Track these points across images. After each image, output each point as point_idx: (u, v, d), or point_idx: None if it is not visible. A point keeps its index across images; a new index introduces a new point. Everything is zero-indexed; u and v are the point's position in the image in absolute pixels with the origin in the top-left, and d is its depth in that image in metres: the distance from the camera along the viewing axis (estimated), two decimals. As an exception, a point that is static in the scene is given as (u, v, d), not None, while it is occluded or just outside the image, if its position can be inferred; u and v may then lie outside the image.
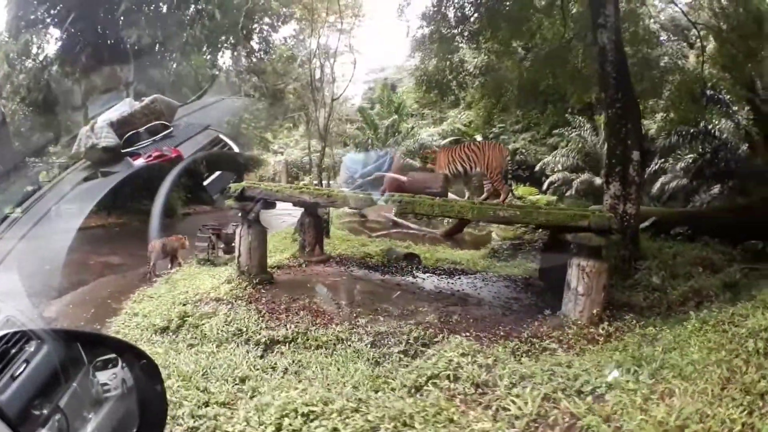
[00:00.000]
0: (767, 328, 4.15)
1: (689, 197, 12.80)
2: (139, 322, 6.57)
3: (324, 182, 17.97)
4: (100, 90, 12.51)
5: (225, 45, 15.55)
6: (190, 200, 15.70)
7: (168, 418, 3.96)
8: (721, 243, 9.25)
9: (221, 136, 10.46)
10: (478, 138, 18.90)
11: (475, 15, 11.88)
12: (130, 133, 8.60)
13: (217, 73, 16.14)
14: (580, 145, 17.18)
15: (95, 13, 13.00)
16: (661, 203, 13.62)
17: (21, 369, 1.27)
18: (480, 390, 3.83)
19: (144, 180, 9.44)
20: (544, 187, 17.52)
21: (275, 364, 5.21)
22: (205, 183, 10.00)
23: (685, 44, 12.66)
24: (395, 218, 15.88)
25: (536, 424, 3.34)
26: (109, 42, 13.02)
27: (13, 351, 1.30)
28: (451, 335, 5.88)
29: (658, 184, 13.63)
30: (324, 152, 17.83)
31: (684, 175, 12.77)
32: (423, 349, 5.64)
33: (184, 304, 6.83)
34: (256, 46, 16.55)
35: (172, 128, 9.03)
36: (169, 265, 9.60)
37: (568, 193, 16.86)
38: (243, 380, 4.72)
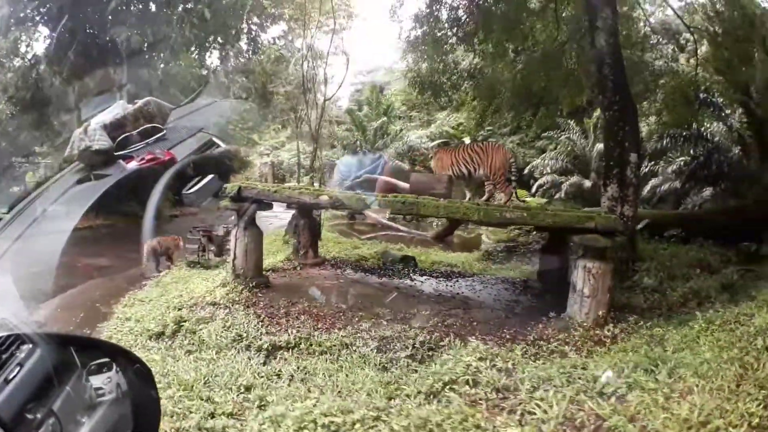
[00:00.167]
0: (774, 327, 4.15)
1: (680, 200, 12.95)
2: (132, 327, 6.31)
3: (315, 184, 17.77)
4: (94, 92, 12.20)
5: (213, 45, 15.27)
6: (177, 202, 15.35)
7: (174, 431, 3.79)
8: (716, 245, 9.35)
9: (214, 138, 10.25)
10: (466, 140, 18.92)
11: (469, 17, 11.84)
12: (123, 135, 8.36)
13: (204, 73, 15.85)
14: (569, 148, 17.34)
15: (84, 12, 12.69)
16: (651, 206, 13.76)
17: (14, 373, 1.25)
18: (500, 394, 3.72)
19: (131, 182, 9.17)
20: (533, 189, 17.61)
21: (280, 371, 5.01)
22: (191, 190, 9.72)
23: (676, 48, 12.84)
24: (383, 221, 15.79)
25: (564, 427, 3.27)
26: (98, 42, 12.69)
27: (6, 354, 1.29)
28: (458, 339, 5.80)
29: (648, 187, 13.78)
30: (316, 154, 17.63)
31: (676, 177, 12.91)
32: (430, 353, 5.54)
33: (179, 309, 6.59)
34: (244, 47, 16.30)
35: (165, 131, 8.82)
36: (168, 264, 9.44)
37: (557, 196, 16.98)
38: (248, 389, 4.51)
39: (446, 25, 12.23)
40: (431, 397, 3.83)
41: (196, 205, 12.18)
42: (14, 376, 1.25)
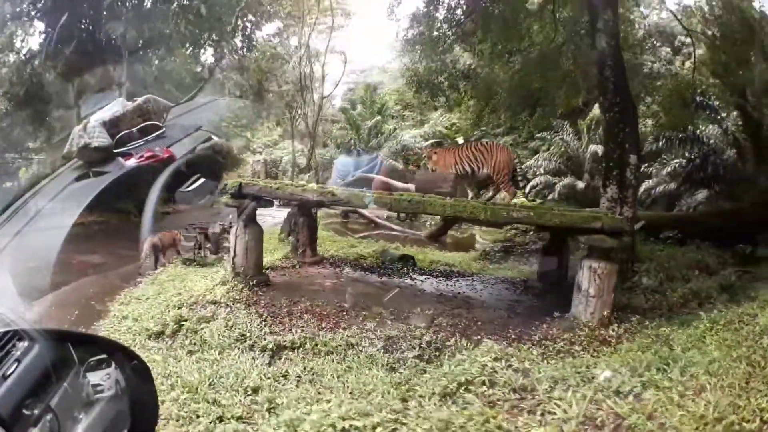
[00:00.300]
0: (779, 326, 4.20)
1: (673, 202, 13.06)
2: (130, 326, 6.14)
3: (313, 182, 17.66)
4: (94, 89, 12.01)
5: (208, 42, 15.06)
6: (168, 199, 15.12)
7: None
8: (712, 247, 9.44)
9: (213, 136, 10.13)
10: (460, 140, 18.95)
11: (467, 17, 11.84)
12: (122, 133, 8.24)
13: (199, 69, 15.63)
14: (562, 149, 17.41)
15: (80, 7, 12.45)
16: (644, 207, 13.86)
17: (12, 369, 1.26)
18: (518, 395, 3.68)
19: (130, 179, 9.03)
20: (527, 190, 17.65)
21: (286, 371, 4.91)
22: (189, 188, 9.59)
23: (671, 50, 12.96)
24: (380, 220, 15.74)
25: (585, 426, 3.25)
26: (94, 38, 12.49)
27: (4, 351, 1.29)
28: (464, 338, 5.77)
29: (642, 189, 13.87)
30: (313, 152, 17.49)
31: (671, 180, 13.02)
32: (437, 353, 5.49)
33: (179, 307, 6.43)
34: (239, 44, 16.09)
35: (164, 128, 8.70)
36: (164, 261, 9.33)
37: (550, 197, 17.03)
38: (255, 390, 4.40)
39: (444, 24, 12.21)
40: (446, 398, 3.77)
41: (192, 204, 12.02)
42: (12, 372, 1.25)
